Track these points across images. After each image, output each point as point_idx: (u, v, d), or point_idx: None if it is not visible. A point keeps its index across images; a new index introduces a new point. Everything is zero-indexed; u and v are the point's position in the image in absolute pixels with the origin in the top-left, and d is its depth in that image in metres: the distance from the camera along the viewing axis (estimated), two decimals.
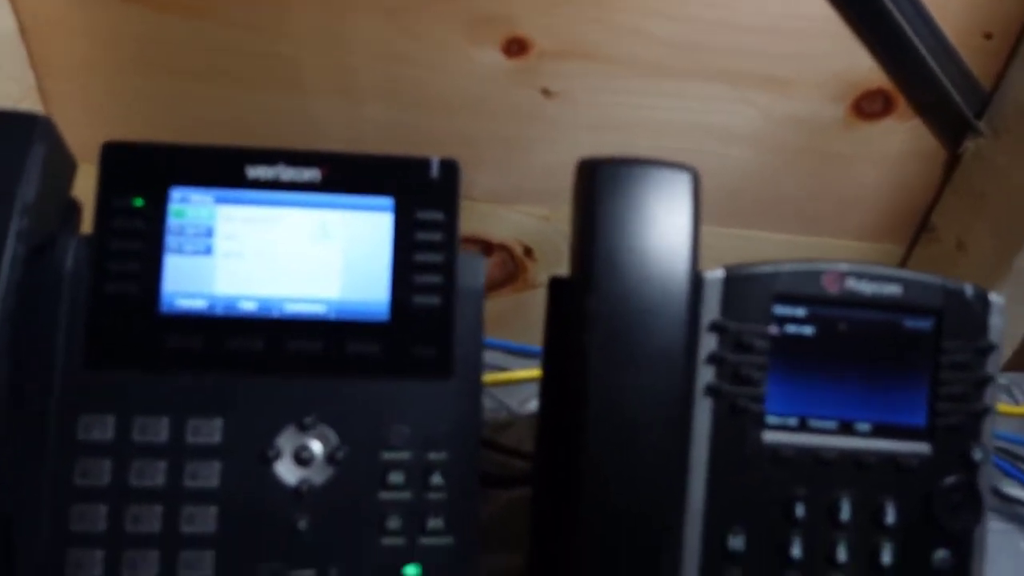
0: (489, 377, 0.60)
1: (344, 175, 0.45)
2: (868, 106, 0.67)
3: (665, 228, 0.40)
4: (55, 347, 0.42)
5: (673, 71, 0.66)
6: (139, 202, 0.43)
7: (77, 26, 0.63)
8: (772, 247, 0.74)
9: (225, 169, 0.44)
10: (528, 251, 0.75)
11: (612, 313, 0.39)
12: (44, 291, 0.42)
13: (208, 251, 0.44)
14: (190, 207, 0.44)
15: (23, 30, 0.62)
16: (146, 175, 0.44)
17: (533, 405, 0.66)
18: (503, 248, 0.75)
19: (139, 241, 0.43)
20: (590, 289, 0.39)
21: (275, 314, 0.44)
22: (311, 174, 0.45)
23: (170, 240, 0.44)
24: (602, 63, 0.66)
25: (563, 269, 0.43)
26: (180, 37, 0.64)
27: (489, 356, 0.47)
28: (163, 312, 0.43)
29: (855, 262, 0.44)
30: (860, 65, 0.65)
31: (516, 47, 0.65)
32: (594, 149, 0.42)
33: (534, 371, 0.67)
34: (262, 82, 0.66)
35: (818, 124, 0.68)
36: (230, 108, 0.67)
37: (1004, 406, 0.69)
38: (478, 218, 0.73)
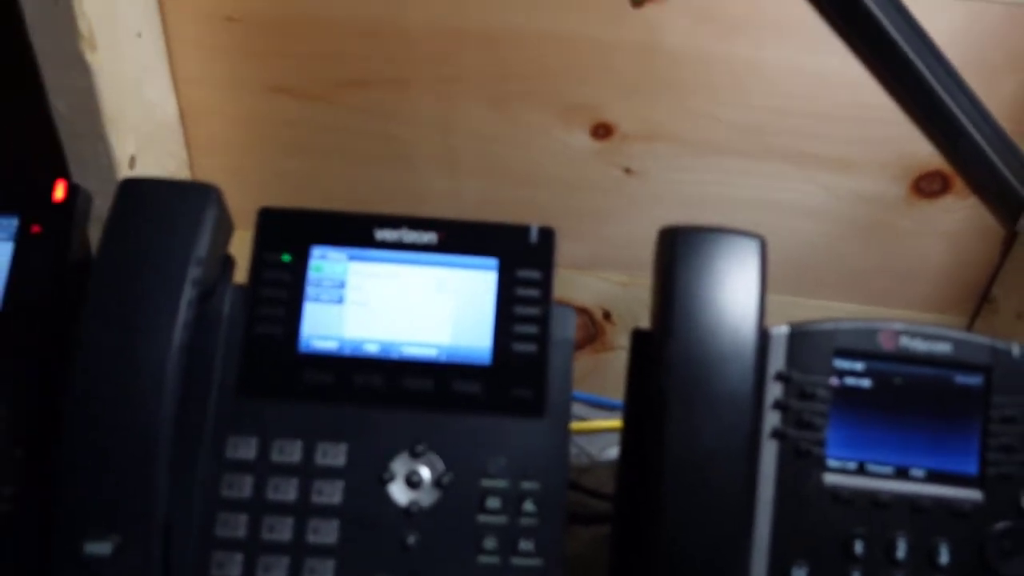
0: (573, 425, 0.65)
1: (457, 238, 0.52)
2: (927, 186, 0.70)
3: (735, 287, 0.45)
4: (212, 378, 0.50)
5: (743, 152, 0.71)
6: (286, 257, 0.51)
7: (226, 113, 0.72)
8: (838, 316, 0.77)
9: (357, 231, 0.52)
10: (607, 315, 0.80)
11: (688, 360, 0.44)
12: (204, 330, 0.49)
13: (340, 300, 0.51)
14: (327, 263, 0.52)
15: (182, 115, 0.72)
16: (292, 235, 0.52)
17: (611, 452, 0.70)
18: (584, 312, 0.80)
19: (284, 290, 0.51)
20: (669, 339, 0.45)
21: (394, 356, 0.51)
22: (429, 237, 0.52)
23: (309, 290, 0.51)
24: (679, 145, 0.71)
25: None
26: (313, 121, 0.72)
27: (572, 407, 0.52)
28: (301, 351, 0.50)
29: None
30: (919, 150, 0.69)
31: (602, 131, 0.71)
32: (670, 222, 0.48)
33: (613, 422, 0.72)
34: (379, 159, 0.73)
35: (880, 202, 0.71)
36: (351, 182, 0.75)
37: None
38: (562, 284, 0.75)
